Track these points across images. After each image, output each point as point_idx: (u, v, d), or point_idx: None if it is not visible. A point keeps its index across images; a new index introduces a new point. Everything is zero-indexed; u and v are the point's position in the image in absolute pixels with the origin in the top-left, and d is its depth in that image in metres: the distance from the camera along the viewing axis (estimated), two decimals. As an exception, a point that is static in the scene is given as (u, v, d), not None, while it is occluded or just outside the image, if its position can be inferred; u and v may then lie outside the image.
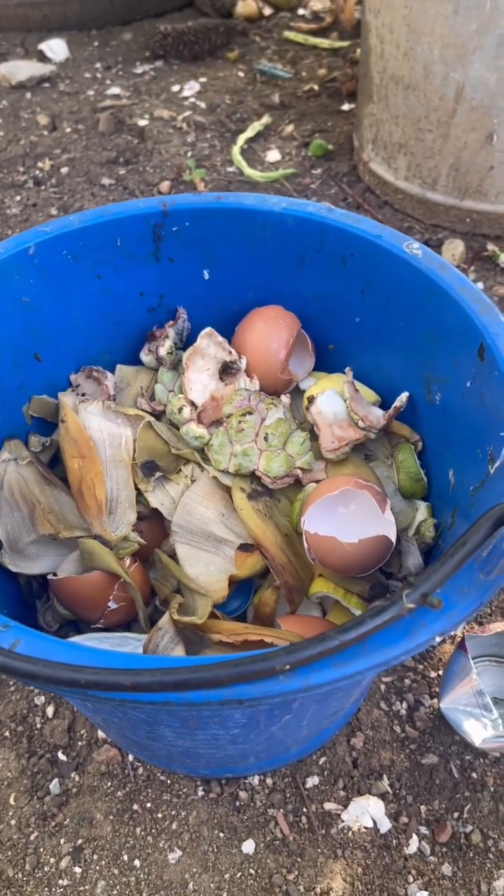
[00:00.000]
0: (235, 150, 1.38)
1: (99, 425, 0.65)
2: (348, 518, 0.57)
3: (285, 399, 0.65)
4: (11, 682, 0.72)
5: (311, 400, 0.64)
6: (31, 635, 0.39)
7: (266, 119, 1.46)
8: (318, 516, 0.56)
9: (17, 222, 1.28)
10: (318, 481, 0.62)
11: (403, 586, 0.39)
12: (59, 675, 0.36)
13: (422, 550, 0.59)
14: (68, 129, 1.50)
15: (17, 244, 0.62)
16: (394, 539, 0.55)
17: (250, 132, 1.43)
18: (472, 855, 0.62)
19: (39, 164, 1.41)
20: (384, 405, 0.67)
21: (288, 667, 0.36)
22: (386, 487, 0.62)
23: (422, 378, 0.61)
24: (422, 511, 0.61)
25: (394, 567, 0.59)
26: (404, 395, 0.63)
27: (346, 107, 1.52)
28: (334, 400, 0.64)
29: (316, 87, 1.57)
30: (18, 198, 1.34)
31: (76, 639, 0.58)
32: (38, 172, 1.39)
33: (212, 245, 0.68)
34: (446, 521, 0.58)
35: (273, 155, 1.39)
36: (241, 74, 1.66)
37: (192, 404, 0.65)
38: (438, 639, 0.39)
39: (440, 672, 0.72)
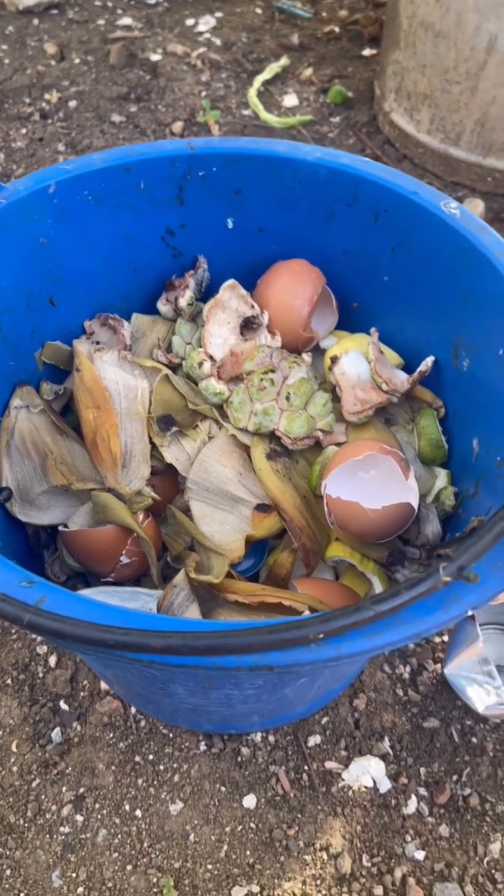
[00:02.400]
0: (252, 92, 1.33)
1: (115, 376, 0.63)
2: (370, 483, 0.56)
3: (307, 358, 0.63)
4: (14, 630, 0.72)
5: (335, 360, 0.63)
6: (57, 592, 0.38)
7: (284, 61, 1.41)
8: (341, 480, 0.55)
9: (23, 157, 1.24)
10: (338, 444, 0.61)
11: (440, 559, 0.39)
12: (88, 635, 0.35)
13: (440, 518, 0.58)
14: (77, 60, 1.44)
15: (37, 182, 0.59)
16: (416, 506, 0.54)
17: (267, 74, 1.37)
18: (469, 817, 0.63)
19: (46, 96, 1.35)
20: (407, 368, 0.66)
21: (322, 635, 0.36)
22: (406, 453, 0.61)
23: (449, 343, 0.60)
24: (441, 478, 0.60)
25: (411, 534, 0.59)
26: (430, 360, 0.61)
27: (367, 52, 1.46)
28: (358, 361, 0.62)
29: (337, 30, 1.51)
30: (24, 130, 1.28)
31: (85, 592, 0.58)
32: (44, 105, 1.34)
33: (238, 193, 0.65)
34: (468, 490, 0.57)
35: (290, 99, 1.34)
36: (259, 11, 1.59)
37: (212, 358, 0.63)
38: (470, 612, 0.39)
39: (444, 637, 0.72)
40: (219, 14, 1.58)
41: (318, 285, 0.65)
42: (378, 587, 0.56)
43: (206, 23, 1.55)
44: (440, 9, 1.03)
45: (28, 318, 0.62)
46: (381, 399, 0.60)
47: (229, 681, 0.48)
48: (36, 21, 1.55)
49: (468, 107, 1.07)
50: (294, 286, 0.65)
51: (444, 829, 0.62)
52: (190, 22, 1.55)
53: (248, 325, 0.65)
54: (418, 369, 0.61)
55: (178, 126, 1.27)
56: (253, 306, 0.65)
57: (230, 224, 0.67)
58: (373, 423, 0.62)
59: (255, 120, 1.30)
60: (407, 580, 0.38)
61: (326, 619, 0.36)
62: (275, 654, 0.36)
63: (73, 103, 1.34)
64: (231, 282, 0.65)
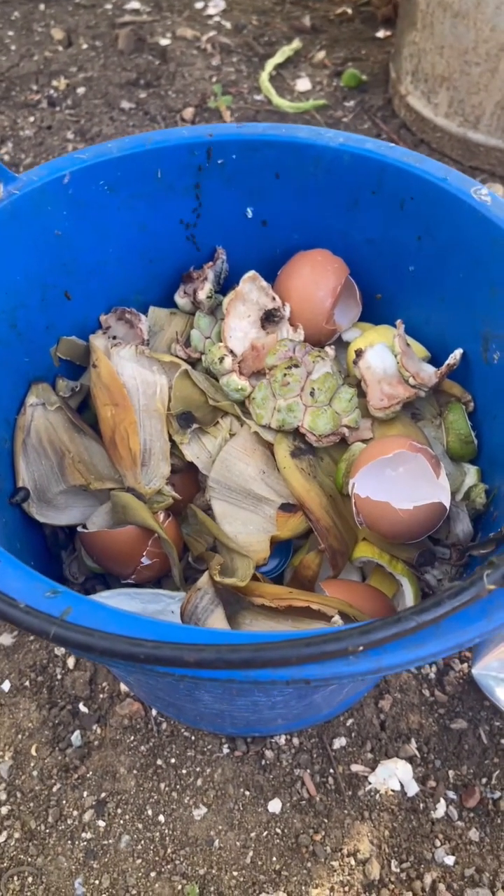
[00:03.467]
0: (264, 76, 1.30)
1: (132, 372, 0.61)
2: (399, 482, 0.54)
3: (331, 351, 0.61)
4: (31, 631, 0.70)
5: (360, 354, 0.61)
6: (83, 602, 0.36)
7: (296, 44, 1.38)
8: (369, 479, 0.53)
9: (31, 145, 1.21)
10: (364, 440, 0.59)
11: (477, 563, 0.37)
12: (117, 648, 0.34)
13: (471, 517, 0.56)
14: (85, 46, 1.41)
15: (52, 171, 0.57)
16: (448, 505, 0.52)
17: (279, 57, 1.34)
18: (500, 821, 0.61)
19: (54, 83, 1.32)
20: (434, 361, 0.64)
21: (361, 648, 0.34)
22: (434, 449, 0.60)
23: (479, 334, 0.58)
24: (471, 475, 0.58)
25: (441, 533, 0.57)
26: (458, 352, 0.59)
27: (381, 34, 1.43)
28: (384, 354, 0.60)
29: (349, 11, 1.48)
30: (32, 119, 1.26)
31: (105, 594, 0.56)
32: (52, 92, 1.31)
33: (258, 181, 0.63)
34: (499, 487, 0.55)
35: (303, 83, 1.31)
36: (269, -7, 1.56)
37: (232, 353, 0.61)
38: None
39: (471, 637, 0.71)
40: (228, -3, 1.55)
41: (341, 276, 0.63)
42: (407, 588, 0.55)
43: (215, 5, 1.51)
44: (459, -12, 0.99)
45: (43, 312, 0.61)
46: (408, 394, 0.59)
47: (258, 688, 0.46)
48: (42, 6, 1.52)
49: (488, 89, 1.05)
50: (316, 277, 0.63)
51: (473, 834, 0.61)
52: (199, 5, 1.52)
53: (269, 318, 0.63)
54: (446, 362, 0.59)
55: (188, 112, 1.25)
56: (274, 298, 0.63)
57: (250, 213, 0.65)
58: (400, 418, 0.60)
59: (267, 105, 1.27)
60: (449, 587, 0.36)
61: (366, 630, 0.34)
62: (312, 667, 0.34)
63: (81, 90, 1.31)
64: (251, 273, 0.63)
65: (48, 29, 1.45)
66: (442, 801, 0.62)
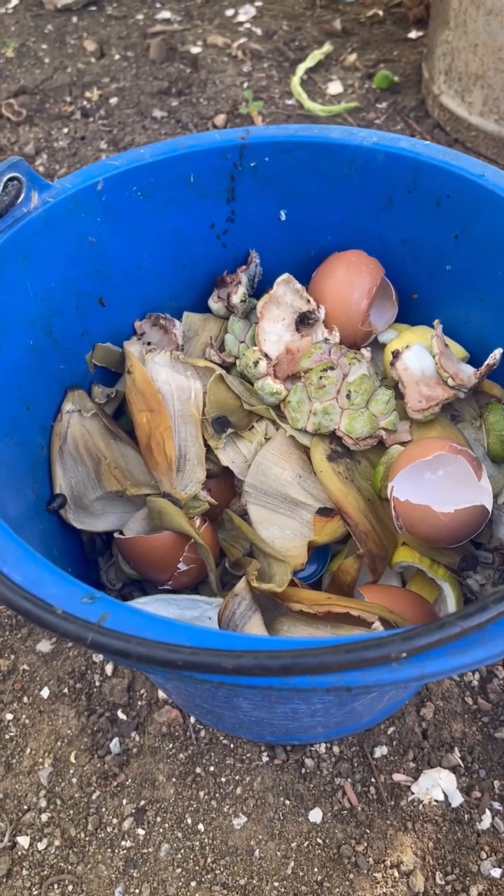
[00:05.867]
0: (295, 81, 1.29)
1: (167, 377, 0.61)
2: (439, 485, 0.53)
3: (367, 353, 0.60)
4: (70, 638, 0.71)
5: (397, 355, 0.60)
6: (120, 608, 0.36)
7: (327, 47, 1.37)
8: (408, 482, 0.52)
9: (66, 156, 1.23)
10: (403, 443, 0.58)
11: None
12: (155, 654, 0.33)
13: (514, 520, 0.55)
14: (117, 56, 1.42)
15: (85, 178, 0.57)
16: (490, 508, 0.51)
17: (310, 62, 1.34)
18: (548, 834, 0.59)
19: (87, 94, 1.34)
20: (473, 362, 0.62)
21: (404, 654, 0.33)
22: (475, 451, 0.58)
23: (519, 334, 0.57)
24: (513, 478, 0.57)
25: (483, 537, 0.55)
26: (498, 352, 0.58)
27: (413, 34, 1.42)
28: (422, 355, 0.59)
29: (380, 13, 1.47)
30: (66, 130, 1.27)
31: (142, 600, 0.56)
32: (85, 103, 1.32)
33: (291, 183, 0.62)
34: (543, 491, 0.54)
35: (335, 87, 1.31)
36: (299, -2, 1.56)
37: (267, 357, 0.61)
38: None
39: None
40: (258, 3, 1.55)
41: (376, 277, 0.62)
42: (449, 594, 0.53)
43: (245, 12, 1.52)
44: (492, -16, 0.98)
45: (78, 319, 0.61)
46: (447, 395, 0.57)
47: (298, 696, 0.46)
48: (75, 19, 1.54)
49: (523, 85, 1.03)
50: (351, 278, 0.62)
51: (521, 847, 0.59)
52: (229, 12, 1.53)
53: (303, 321, 0.62)
54: (486, 363, 0.58)
55: (220, 119, 1.25)
56: (308, 301, 0.63)
57: (283, 216, 0.65)
58: (439, 420, 0.59)
59: (299, 109, 1.27)
60: (495, 592, 0.35)
61: (409, 636, 0.33)
62: (353, 674, 0.34)
63: (114, 100, 1.32)
64: (285, 276, 0.63)
65: (81, 41, 1.47)
66: (487, 812, 0.61)
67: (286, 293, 0.63)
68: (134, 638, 0.34)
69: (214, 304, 0.67)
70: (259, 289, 0.67)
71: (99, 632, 0.34)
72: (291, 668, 0.33)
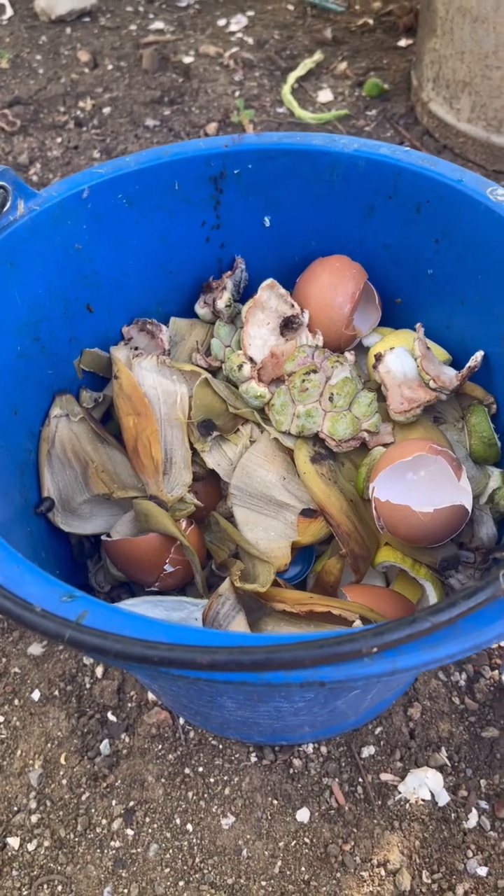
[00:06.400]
0: (286, 89, 1.31)
1: (153, 382, 0.62)
2: (420, 485, 0.54)
3: (350, 356, 0.61)
4: (60, 641, 0.71)
5: (379, 358, 0.60)
6: (99, 606, 0.37)
7: (317, 56, 1.39)
8: (389, 483, 0.52)
9: (59, 165, 1.24)
10: (385, 445, 0.59)
11: (497, 564, 0.36)
12: (131, 651, 0.34)
13: (495, 520, 0.56)
14: (110, 67, 1.44)
15: (71, 187, 0.58)
16: (470, 508, 0.51)
17: (301, 70, 1.35)
18: (533, 832, 0.60)
19: (81, 104, 1.35)
20: (455, 364, 0.63)
21: (375, 649, 0.34)
22: (457, 452, 0.59)
23: (499, 336, 0.57)
24: (495, 478, 0.58)
25: (465, 537, 0.56)
26: (479, 354, 0.59)
27: (402, 43, 1.43)
28: (404, 358, 0.60)
29: (370, 22, 1.48)
30: (59, 139, 1.29)
31: (129, 602, 0.56)
32: (79, 112, 1.34)
33: (275, 189, 0.63)
34: (523, 490, 0.54)
35: (325, 95, 1.32)
36: (291, 8, 1.57)
37: (251, 361, 0.62)
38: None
39: (502, 644, 0.69)
40: (250, 13, 1.57)
41: (359, 281, 0.63)
42: (431, 593, 0.54)
43: (237, 22, 1.53)
44: (478, -8, 0.99)
45: (66, 325, 0.62)
46: (429, 397, 0.58)
47: (279, 694, 0.46)
48: (69, 30, 1.55)
49: (510, 92, 1.04)
50: (335, 283, 0.63)
51: (507, 845, 0.60)
52: (222, 22, 1.54)
53: (288, 325, 0.63)
54: (467, 365, 0.59)
55: (212, 127, 1.26)
56: (293, 305, 0.64)
57: (267, 222, 0.65)
58: (421, 421, 0.59)
59: (290, 117, 1.28)
60: (464, 588, 0.35)
61: (380, 631, 0.34)
62: (326, 669, 0.34)
63: (106, 110, 1.34)
64: (269, 281, 0.64)
65: (74, 52, 1.48)
66: (474, 810, 0.61)
67: (270, 298, 0.63)
68: (111, 635, 0.34)
69: (201, 309, 0.68)
70: (245, 294, 0.68)
71: (77, 629, 0.35)
72: (265, 664, 0.33)
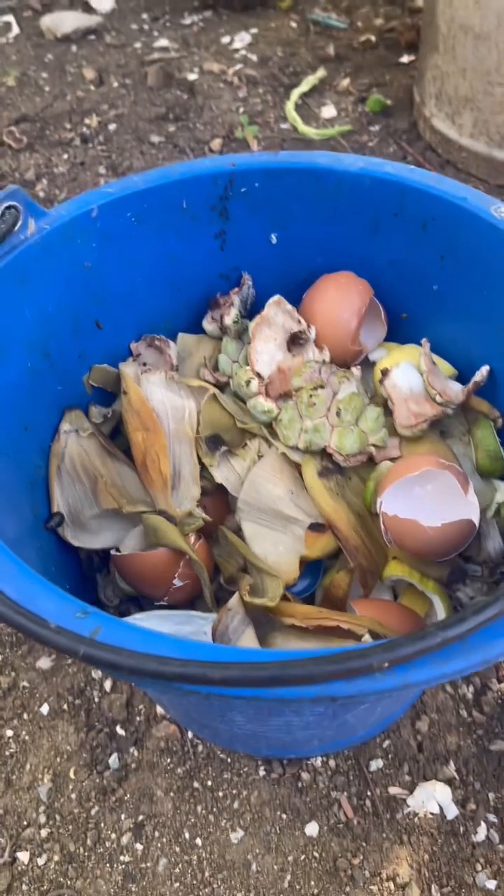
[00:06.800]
0: (289, 105, 1.32)
1: (162, 397, 0.62)
2: (428, 499, 0.54)
3: (357, 371, 0.62)
4: (69, 655, 0.72)
5: (385, 373, 0.61)
6: (112, 623, 0.37)
7: (321, 72, 1.40)
8: (397, 497, 0.53)
9: (65, 181, 1.25)
10: (392, 459, 0.59)
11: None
12: (144, 667, 0.34)
13: (502, 533, 0.56)
14: (115, 84, 1.45)
15: (81, 206, 0.59)
16: (477, 522, 0.52)
17: (304, 86, 1.37)
18: (543, 846, 0.60)
19: (87, 121, 1.37)
20: (461, 379, 0.64)
21: (387, 664, 0.34)
22: (463, 466, 0.59)
23: (505, 351, 0.58)
24: (502, 492, 0.58)
25: (472, 551, 0.56)
26: (485, 369, 0.59)
27: (405, 59, 1.45)
28: (410, 373, 0.61)
29: (373, 38, 1.50)
30: (66, 156, 1.30)
31: (138, 616, 0.57)
32: (85, 129, 1.35)
33: (281, 207, 0.64)
34: (530, 504, 0.55)
35: (328, 111, 1.33)
36: (294, 25, 1.59)
37: (259, 376, 0.62)
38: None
39: (509, 656, 0.70)
40: (254, 30, 1.59)
41: (365, 297, 0.64)
42: (439, 607, 0.54)
43: (241, 39, 1.55)
44: (479, 10, 1.01)
45: (75, 341, 0.62)
46: (435, 411, 0.59)
47: (290, 709, 0.47)
48: (74, 48, 1.57)
49: (512, 108, 1.05)
50: (341, 299, 0.64)
51: (516, 859, 0.60)
52: (226, 40, 1.56)
53: (294, 341, 0.64)
54: (473, 379, 0.59)
55: (216, 143, 1.27)
56: (299, 321, 0.64)
57: (274, 239, 0.66)
58: (427, 436, 0.60)
59: (293, 133, 1.29)
60: (473, 603, 0.36)
61: (391, 646, 0.34)
62: (338, 684, 0.35)
63: (112, 126, 1.35)
64: (276, 297, 0.64)
65: (80, 69, 1.50)
66: (483, 824, 0.61)
67: (277, 314, 0.64)
68: (125, 651, 0.35)
69: (208, 325, 0.69)
70: (252, 310, 0.68)
71: (91, 645, 0.35)
72: (277, 679, 0.34)
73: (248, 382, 0.61)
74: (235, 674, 0.34)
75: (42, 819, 0.63)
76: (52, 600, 0.38)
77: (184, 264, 0.66)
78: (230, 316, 0.65)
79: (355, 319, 0.63)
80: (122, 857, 0.61)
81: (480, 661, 0.35)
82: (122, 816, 0.63)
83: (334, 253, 0.66)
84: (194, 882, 0.59)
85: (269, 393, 0.61)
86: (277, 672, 0.33)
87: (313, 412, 0.58)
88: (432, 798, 0.62)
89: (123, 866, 0.60)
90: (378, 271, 0.65)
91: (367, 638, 0.48)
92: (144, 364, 0.66)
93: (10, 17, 1.67)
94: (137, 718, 0.68)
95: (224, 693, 0.35)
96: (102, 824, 0.62)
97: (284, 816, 0.62)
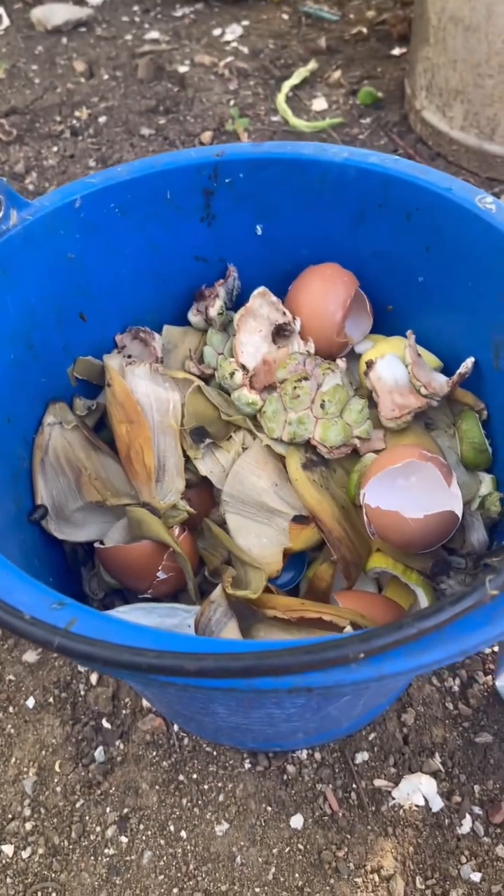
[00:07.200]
0: (280, 98, 1.32)
1: (146, 389, 0.62)
2: (411, 491, 0.54)
3: (342, 363, 0.61)
4: (55, 648, 0.71)
5: (370, 365, 0.61)
6: (88, 614, 0.37)
7: (312, 65, 1.40)
8: (380, 489, 0.53)
9: (55, 174, 1.25)
10: (377, 451, 0.59)
11: (486, 569, 0.37)
12: (119, 658, 0.34)
13: (486, 525, 0.56)
14: (106, 76, 1.45)
15: (63, 197, 0.59)
16: (460, 514, 0.52)
17: (295, 79, 1.36)
18: (527, 837, 0.60)
19: (76, 113, 1.36)
20: (446, 371, 0.63)
21: (362, 655, 0.34)
22: (448, 458, 0.59)
23: (489, 343, 0.58)
24: (486, 484, 0.58)
25: (456, 543, 0.56)
26: (470, 361, 0.59)
27: (396, 51, 1.44)
28: (395, 365, 0.60)
29: (364, 31, 1.49)
30: (55, 149, 1.29)
31: (122, 609, 0.57)
32: (75, 122, 1.35)
33: (266, 198, 0.64)
34: (514, 496, 0.55)
35: (319, 103, 1.33)
36: (286, 17, 1.59)
37: (244, 368, 0.62)
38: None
39: (495, 648, 0.70)
40: (245, 22, 1.58)
41: (350, 289, 0.63)
42: (423, 599, 0.54)
43: (232, 32, 1.54)
44: (470, 2, 1.00)
45: (59, 333, 0.62)
46: (419, 403, 0.58)
47: (270, 700, 0.46)
48: (65, 40, 1.56)
49: (502, 100, 1.05)
50: (326, 290, 0.63)
51: (500, 850, 0.60)
52: (217, 32, 1.55)
53: (280, 333, 0.64)
54: (458, 371, 0.59)
55: (207, 136, 1.27)
56: (284, 313, 0.64)
57: (259, 230, 0.66)
58: (412, 428, 0.60)
59: (284, 126, 1.29)
60: (451, 594, 0.36)
61: (367, 637, 0.34)
62: (314, 675, 0.34)
63: (102, 119, 1.34)
64: (261, 289, 0.64)
65: (70, 62, 1.49)
66: (468, 816, 0.61)
67: (262, 306, 0.64)
68: (100, 642, 0.34)
69: (193, 317, 0.68)
70: (237, 302, 0.68)
71: (66, 636, 0.35)
72: (253, 670, 0.33)
73: (232, 374, 0.61)
74: (210, 664, 0.33)
75: (27, 812, 0.63)
76: (28, 592, 0.38)
77: (169, 255, 0.66)
78: (215, 308, 0.65)
79: (340, 311, 0.63)
80: (106, 850, 0.61)
81: (458, 652, 0.35)
82: (108, 809, 0.63)
83: (320, 244, 0.65)
84: (179, 875, 0.59)
85: (253, 385, 0.61)
86: (252, 662, 0.33)
87: (297, 404, 0.58)
88: (417, 790, 0.62)
89: (108, 859, 0.60)
90: (363, 263, 0.65)
91: (348, 630, 0.48)
92: (129, 356, 0.66)
93: None
94: (123, 712, 0.67)
95: (200, 684, 0.35)
96: (87, 817, 0.62)
97: (269, 809, 0.62)
